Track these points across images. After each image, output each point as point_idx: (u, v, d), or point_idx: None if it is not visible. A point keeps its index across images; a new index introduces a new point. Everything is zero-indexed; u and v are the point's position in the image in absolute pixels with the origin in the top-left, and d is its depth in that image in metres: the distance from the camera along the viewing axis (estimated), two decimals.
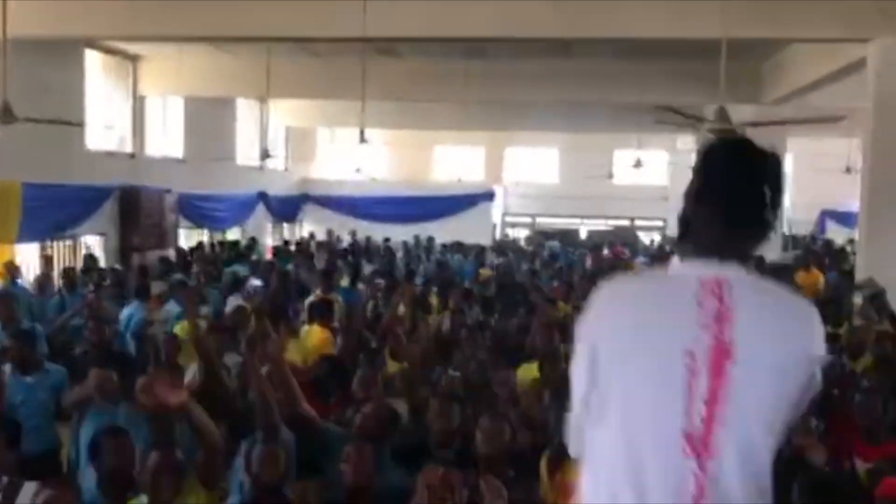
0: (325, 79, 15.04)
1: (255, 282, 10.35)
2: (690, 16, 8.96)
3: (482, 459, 4.08)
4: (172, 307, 8.78)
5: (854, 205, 23.78)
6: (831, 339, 7.62)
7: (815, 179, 23.37)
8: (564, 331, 7.46)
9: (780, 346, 1.77)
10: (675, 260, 1.87)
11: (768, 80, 13.85)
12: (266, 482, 3.90)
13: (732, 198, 1.82)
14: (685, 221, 1.90)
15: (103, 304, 8.33)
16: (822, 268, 13.29)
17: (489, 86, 14.66)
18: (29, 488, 3.70)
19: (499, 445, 4.13)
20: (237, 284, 10.18)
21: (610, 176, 25.26)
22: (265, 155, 15.41)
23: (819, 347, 1.84)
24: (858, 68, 9.80)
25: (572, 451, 1.93)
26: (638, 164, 19.89)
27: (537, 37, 11.23)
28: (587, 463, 1.88)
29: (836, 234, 23.60)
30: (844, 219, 24.82)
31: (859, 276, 9.37)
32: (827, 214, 25.77)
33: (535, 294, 10.35)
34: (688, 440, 1.73)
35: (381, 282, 10.77)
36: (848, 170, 20.28)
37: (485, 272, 13.88)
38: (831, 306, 9.18)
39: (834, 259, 15.30)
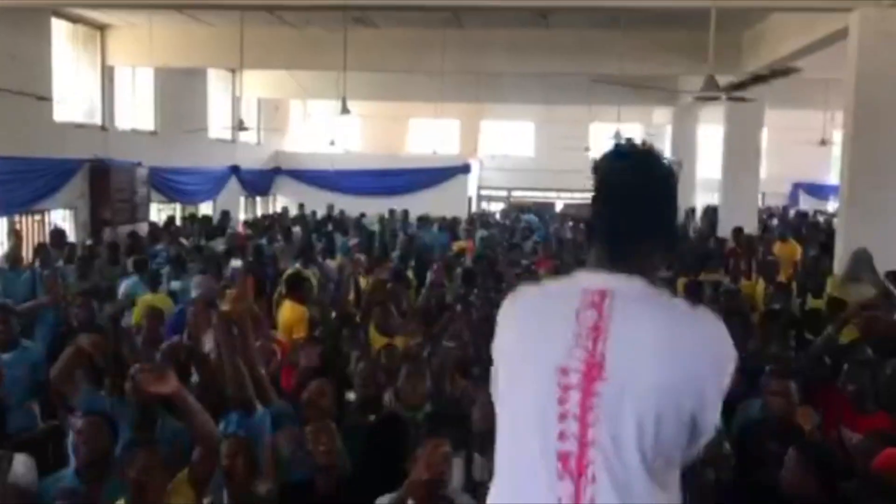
0: (300, 49, 14.78)
1: (236, 262, 10.16)
2: None
3: (478, 436, 4.02)
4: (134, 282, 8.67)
5: (826, 177, 24.11)
6: (812, 313, 7.68)
7: (789, 152, 23.49)
8: None
9: (664, 363, 1.61)
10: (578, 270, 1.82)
11: (748, 51, 13.80)
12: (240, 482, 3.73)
13: (623, 208, 1.78)
14: (589, 228, 1.89)
15: (60, 284, 8.03)
16: (799, 239, 13.34)
17: (466, 56, 14.45)
18: (20, 459, 3.58)
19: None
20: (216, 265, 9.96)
21: (585, 149, 25.16)
22: (241, 127, 15.10)
23: (719, 370, 1.67)
24: (840, 38, 9.73)
25: None
26: (618, 136, 19.74)
27: (515, 5, 11.11)
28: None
29: (808, 206, 23.80)
30: (816, 190, 25.09)
31: (839, 247, 9.38)
32: (800, 186, 25.96)
33: (509, 269, 10.32)
34: (562, 462, 1.63)
35: (360, 256, 10.66)
36: (823, 142, 20.43)
37: (460, 244, 13.80)
38: (811, 279, 9.26)
39: (811, 231, 15.38)
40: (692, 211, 19.42)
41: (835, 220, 13.90)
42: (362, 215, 18.93)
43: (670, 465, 1.67)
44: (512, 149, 26.47)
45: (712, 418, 1.67)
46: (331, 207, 20.16)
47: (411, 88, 19.57)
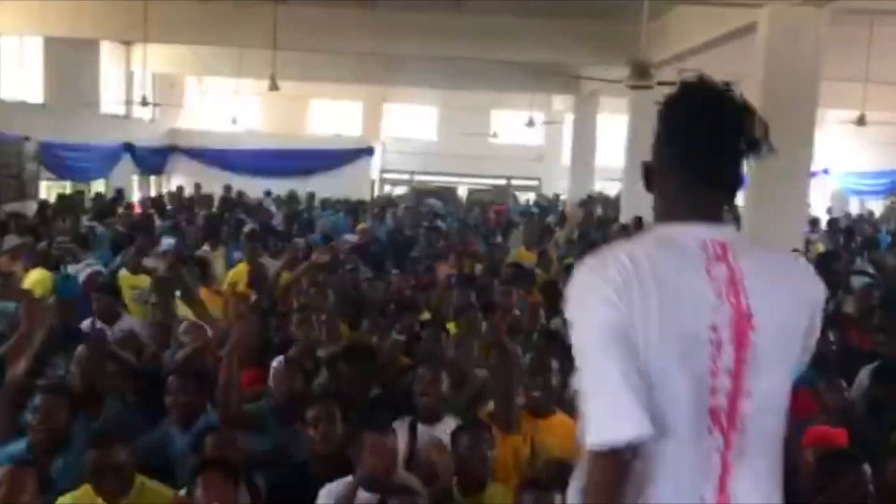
0: (204, 24, 14.19)
1: (168, 240, 9.71)
2: None
3: (422, 411, 4.03)
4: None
5: None
6: None
7: None
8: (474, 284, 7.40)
9: (791, 302, 1.72)
10: (663, 225, 1.77)
11: (652, 43, 14.08)
12: None
13: (715, 154, 1.73)
14: (651, 174, 1.83)
15: None
16: None
17: (377, 38, 14.25)
18: None
19: (437, 396, 4.06)
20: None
21: (489, 135, 25.38)
22: (144, 102, 14.46)
23: (820, 291, 1.82)
24: (748, 32, 10.01)
25: (619, 431, 1.59)
26: (531, 123, 19.98)
27: None
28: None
29: None
30: None
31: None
32: None
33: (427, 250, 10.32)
34: (713, 417, 1.65)
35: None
36: None
37: (363, 227, 13.55)
38: None
39: None
40: (590, 198, 19.81)
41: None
42: (268, 193, 18.52)
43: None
44: (415, 133, 26.38)
45: (815, 338, 1.83)
46: (227, 188, 19.56)
47: (314, 69, 19.15)
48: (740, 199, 9.82)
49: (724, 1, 9.82)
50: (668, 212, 1.78)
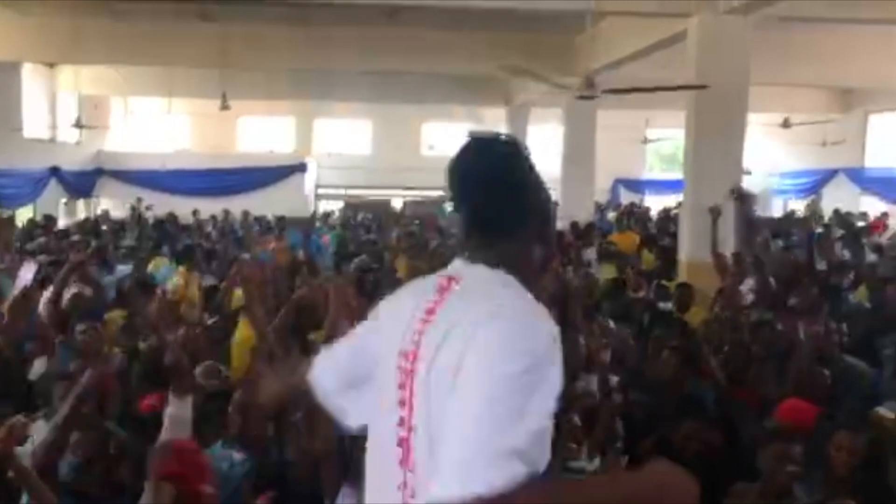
0: (130, 43, 13.95)
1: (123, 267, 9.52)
2: None
3: None
4: None
5: (644, 173, 25.61)
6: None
7: (613, 150, 24.73)
8: None
9: (453, 347, 1.57)
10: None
11: (583, 52, 14.39)
12: None
13: (475, 200, 1.77)
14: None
15: None
16: (635, 230, 14.18)
17: (309, 53, 14.23)
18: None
19: None
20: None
21: (423, 147, 25.47)
22: (78, 124, 14.13)
23: (502, 363, 1.50)
24: (679, 40, 10.31)
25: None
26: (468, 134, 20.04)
27: (366, 3, 11.07)
28: None
29: (627, 200, 25.15)
30: (634, 186, 26.59)
31: (682, 241, 10.04)
32: (620, 182, 27.37)
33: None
34: (401, 447, 1.65)
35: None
36: (645, 140, 21.74)
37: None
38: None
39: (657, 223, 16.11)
40: None
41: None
42: (195, 212, 18.27)
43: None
44: (348, 147, 26.26)
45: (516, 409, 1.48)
46: (148, 207, 19.16)
47: (242, 86, 18.95)
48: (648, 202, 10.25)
49: (654, 12, 10.07)
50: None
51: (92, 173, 21.38)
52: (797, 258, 10.75)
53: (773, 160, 22.41)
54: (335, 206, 23.69)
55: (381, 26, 13.88)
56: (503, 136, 1.84)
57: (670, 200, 21.04)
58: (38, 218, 16.50)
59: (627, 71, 13.07)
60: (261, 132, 25.80)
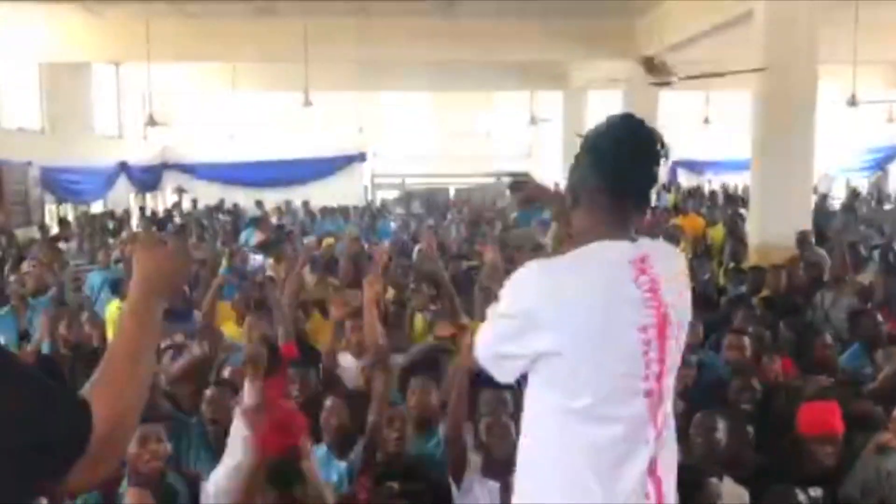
0: (197, 41, 14.29)
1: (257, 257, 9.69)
2: None
3: None
4: None
5: (706, 155, 25.35)
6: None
7: (670, 131, 24.54)
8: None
9: (685, 296, 2.10)
10: (597, 243, 1.98)
11: (642, 37, 14.34)
12: None
13: (633, 179, 1.99)
14: (577, 195, 2.06)
15: None
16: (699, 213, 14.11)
17: (373, 46, 14.41)
18: None
19: None
20: None
21: (480, 135, 25.58)
22: (151, 122, 14.58)
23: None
24: (742, 22, 10.24)
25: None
26: (533, 120, 20.17)
27: None
28: (544, 436, 2.02)
29: (686, 182, 24.92)
30: (694, 167, 26.31)
31: (752, 223, 10.03)
32: (678, 164, 27.13)
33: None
34: (648, 397, 1.98)
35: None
36: (706, 121, 21.57)
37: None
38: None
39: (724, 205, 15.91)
40: None
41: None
42: (258, 203, 18.59)
43: None
44: (405, 135, 26.43)
45: None
46: (221, 201, 19.57)
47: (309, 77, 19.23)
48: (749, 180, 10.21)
49: None
50: (594, 229, 2.02)
51: (157, 167, 21.91)
52: None
53: (838, 138, 22.03)
54: (391, 195, 23.90)
55: (438, 18, 13.99)
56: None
57: (732, 181, 20.87)
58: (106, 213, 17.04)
59: (686, 54, 13.01)
60: (324, 122, 26.04)
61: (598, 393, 1.92)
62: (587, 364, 1.92)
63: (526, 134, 25.48)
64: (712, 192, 19.13)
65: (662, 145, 1.98)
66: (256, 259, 9.74)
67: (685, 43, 12.60)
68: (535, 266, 2.00)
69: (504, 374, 2.08)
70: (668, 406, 2.03)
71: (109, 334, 6.49)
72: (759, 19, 9.59)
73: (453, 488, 3.56)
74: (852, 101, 13.14)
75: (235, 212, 18.01)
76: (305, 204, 18.57)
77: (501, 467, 3.39)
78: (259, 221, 13.62)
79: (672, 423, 2.06)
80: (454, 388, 3.56)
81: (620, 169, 1.96)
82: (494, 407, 3.95)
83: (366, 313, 4.50)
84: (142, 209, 18.29)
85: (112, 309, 7.11)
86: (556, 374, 1.95)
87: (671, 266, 2.05)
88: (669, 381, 2.03)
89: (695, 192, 18.77)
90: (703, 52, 12.79)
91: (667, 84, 10.37)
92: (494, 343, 2.05)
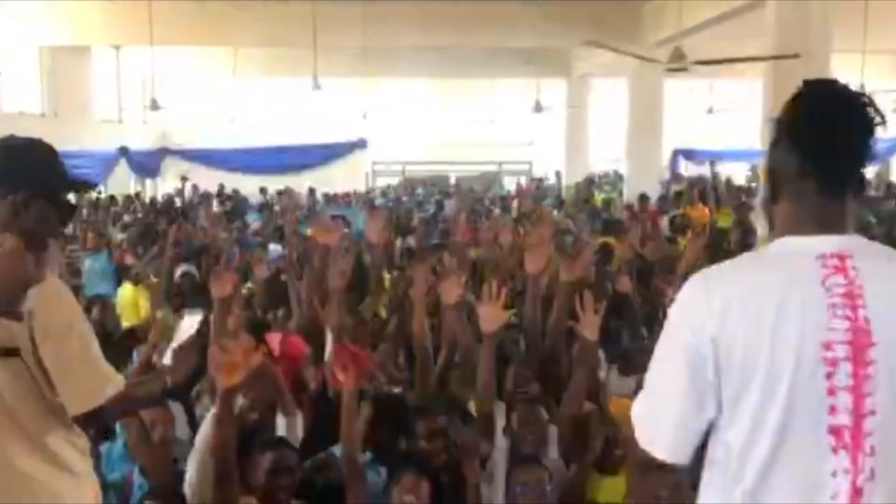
0: (198, 25, 14.16)
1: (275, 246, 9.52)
2: None
3: None
4: None
5: (708, 144, 25.26)
6: None
7: (673, 120, 24.41)
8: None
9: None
10: (782, 239, 1.69)
11: (649, 22, 14.21)
12: None
13: (840, 156, 1.65)
14: (777, 187, 1.71)
15: None
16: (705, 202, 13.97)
17: (376, 30, 14.24)
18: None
19: None
20: None
21: (482, 122, 25.44)
22: (154, 105, 14.44)
23: None
24: (753, 8, 10.13)
25: (663, 447, 1.72)
26: (538, 107, 20.01)
27: None
28: (713, 466, 1.71)
29: (687, 172, 24.79)
30: (696, 156, 26.18)
31: (760, 212, 9.89)
32: (680, 153, 27.00)
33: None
34: (835, 436, 1.58)
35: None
36: (710, 110, 21.47)
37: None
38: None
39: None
40: (591, 180, 19.96)
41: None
42: (262, 190, 18.48)
43: None
44: (406, 123, 26.28)
45: None
46: (221, 187, 19.43)
47: (309, 64, 19.07)
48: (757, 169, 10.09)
49: None
50: (793, 222, 1.69)
51: (158, 152, 21.76)
52: None
53: None
54: (392, 182, 23.82)
55: (442, 1, 13.86)
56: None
57: (736, 170, 20.78)
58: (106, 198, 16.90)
59: (694, 41, 12.89)
60: (323, 109, 25.88)
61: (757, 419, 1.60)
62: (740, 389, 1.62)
63: (529, 122, 25.33)
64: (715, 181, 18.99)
65: (876, 110, 1.65)
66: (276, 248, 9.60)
67: (694, 29, 12.47)
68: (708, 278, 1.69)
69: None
70: (876, 464, 1.58)
71: (125, 319, 6.43)
72: (771, 6, 9.48)
73: None
74: (861, 90, 13.00)
75: (236, 197, 17.90)
76: (312, 191, 18.44)
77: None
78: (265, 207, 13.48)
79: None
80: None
81: (824, 147, 1.64)
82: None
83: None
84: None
85: (126, 293, 7.02)
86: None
87: (886, 270, 1.63)
88: (876, 428, 1.57)
89: (698, 182, 18.62)
90: (710, 39, 12.66)
91: (684, 69, 10.23)
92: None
